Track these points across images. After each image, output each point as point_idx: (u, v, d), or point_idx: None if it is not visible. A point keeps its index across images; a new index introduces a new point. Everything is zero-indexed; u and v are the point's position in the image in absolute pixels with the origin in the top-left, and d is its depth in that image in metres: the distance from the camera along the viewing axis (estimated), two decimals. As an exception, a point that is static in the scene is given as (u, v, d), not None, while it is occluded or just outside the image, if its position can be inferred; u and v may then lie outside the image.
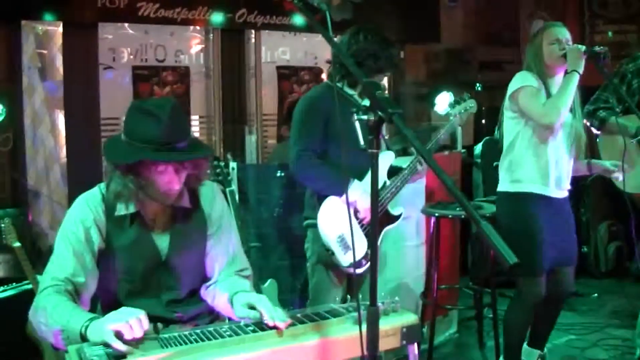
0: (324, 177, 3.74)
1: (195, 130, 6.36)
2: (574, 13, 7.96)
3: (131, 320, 2.18)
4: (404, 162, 3.97)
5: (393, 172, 3.93)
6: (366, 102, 3.04)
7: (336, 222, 3.70)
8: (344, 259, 3.69)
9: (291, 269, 4.78)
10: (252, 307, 2.48)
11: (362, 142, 1.79)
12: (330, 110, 3.70)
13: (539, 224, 3.93)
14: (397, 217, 3.98)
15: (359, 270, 3.72)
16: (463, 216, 4.78)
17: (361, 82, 1.80)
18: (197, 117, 6.37)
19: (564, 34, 3.93)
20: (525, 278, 4.02)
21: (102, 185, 2.68)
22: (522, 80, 3.91)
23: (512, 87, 3.94)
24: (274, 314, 2.37)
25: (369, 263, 3.44)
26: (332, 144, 3.75)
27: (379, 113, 1.74)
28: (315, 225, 3.76)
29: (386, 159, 3.93)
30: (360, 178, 3.76)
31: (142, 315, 2.25)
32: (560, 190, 4.01)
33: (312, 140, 3.75)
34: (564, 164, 4.00)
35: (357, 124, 1.79)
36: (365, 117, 1.77)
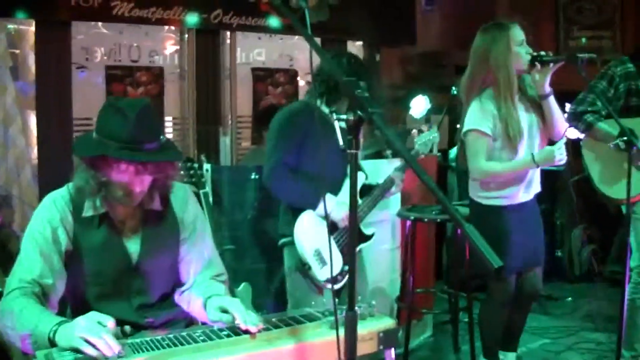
0: (297, 190, 3.76)
1: (169, 131, 6.28)
2: (549, 18, 7.99)
3: (105, 336, 2.13)
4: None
5: (364, 190, 3.99)
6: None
7: (313, 235, 3.70)
8: (321, 273, 3.69)
9: (266, 272, 4.73)
10: (225, 311, 2.46)
11: (341, 142, 1.75)
12: (308, 125, 3.72)
13: (509, 229, 3.99)
14: (369, 237, 4.03)
15: (336, 287, 3.70)
16: (439, 220, 4.77)
17: (340, 80, 1.75)
18: (170, 118, 6.29)
19: (523, 34, 3.95)
20: (495, 278, 4.08)
21: (71, 185, 2.62)
22: (473, 121, 3.95)
23: (467, 123, 3.98)
24: (246, 318, 2.34)
25: (344, 279, 3.47)
26: (307, 158, 3.75)
27: (359, 112, 1.70)
28: (291, 243, 3.75)
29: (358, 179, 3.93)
30: (335, 192, 3.77)
31: (110, 322, 2.21)
32: (528, 193, 4.08)
33: (288, 154, 3.76)
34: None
35: (337, 125, 1.75)
36: (344, 116, 1.73)
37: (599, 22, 7.89)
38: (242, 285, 4.40)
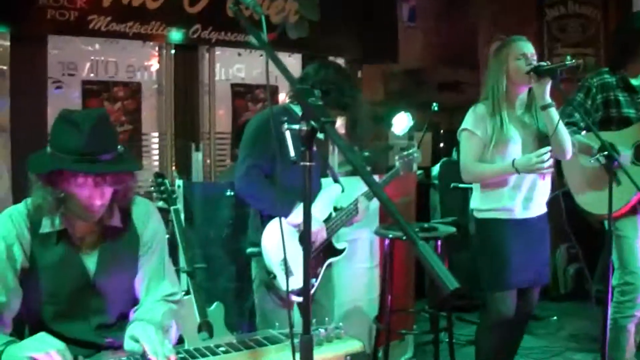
0: (269, 196, 3.60)
1: (146, 147, 6.19)
2: (532, 36, 7.88)
3: (52, 352, 2.03)
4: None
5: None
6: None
7: (280, 244, 3.53)
8: (285, 284, 3.54)
9: (239, 291, 4.60)
10: (137, 340, 2.33)
11: (292, 153, 1.65)
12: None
13: (508, 244, 3.92)
14: (341, 251, 3.91)
15: (300, 299, 3.55)
16: (418, 237, 4.66)
17: (294, 87, 1.65)
18: (148, 134, 6.20)
19: (530, 48, 3.92)
20: (494, 293, 4.00)
21: (29, 200, 2.53)
22: (466, 121, 4.00)
23: (463, 124, 4.01)
24: (157, 349, 2.22)
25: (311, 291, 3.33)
26: (282, 166, 3.55)
27: (312, 123, 1.60)
28: (259, 254, 3.61)
29: (334, 191, 3.89)
30: None
31: (63, 347, 2.11)
32: (528, 210, 3.98)
33: (263, 158, 3.60)
34: (534, 184, 3.95)
35: (288, 134, 1.65)
36: (296, 126, 1.63)
37: (583, 40, 7.89)
38: (215, 304, 4.27)
